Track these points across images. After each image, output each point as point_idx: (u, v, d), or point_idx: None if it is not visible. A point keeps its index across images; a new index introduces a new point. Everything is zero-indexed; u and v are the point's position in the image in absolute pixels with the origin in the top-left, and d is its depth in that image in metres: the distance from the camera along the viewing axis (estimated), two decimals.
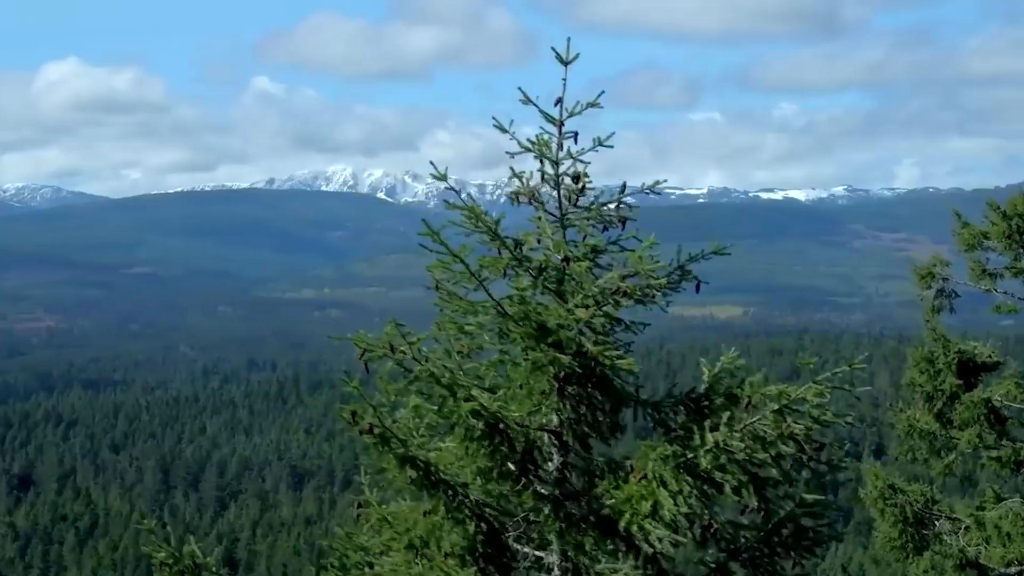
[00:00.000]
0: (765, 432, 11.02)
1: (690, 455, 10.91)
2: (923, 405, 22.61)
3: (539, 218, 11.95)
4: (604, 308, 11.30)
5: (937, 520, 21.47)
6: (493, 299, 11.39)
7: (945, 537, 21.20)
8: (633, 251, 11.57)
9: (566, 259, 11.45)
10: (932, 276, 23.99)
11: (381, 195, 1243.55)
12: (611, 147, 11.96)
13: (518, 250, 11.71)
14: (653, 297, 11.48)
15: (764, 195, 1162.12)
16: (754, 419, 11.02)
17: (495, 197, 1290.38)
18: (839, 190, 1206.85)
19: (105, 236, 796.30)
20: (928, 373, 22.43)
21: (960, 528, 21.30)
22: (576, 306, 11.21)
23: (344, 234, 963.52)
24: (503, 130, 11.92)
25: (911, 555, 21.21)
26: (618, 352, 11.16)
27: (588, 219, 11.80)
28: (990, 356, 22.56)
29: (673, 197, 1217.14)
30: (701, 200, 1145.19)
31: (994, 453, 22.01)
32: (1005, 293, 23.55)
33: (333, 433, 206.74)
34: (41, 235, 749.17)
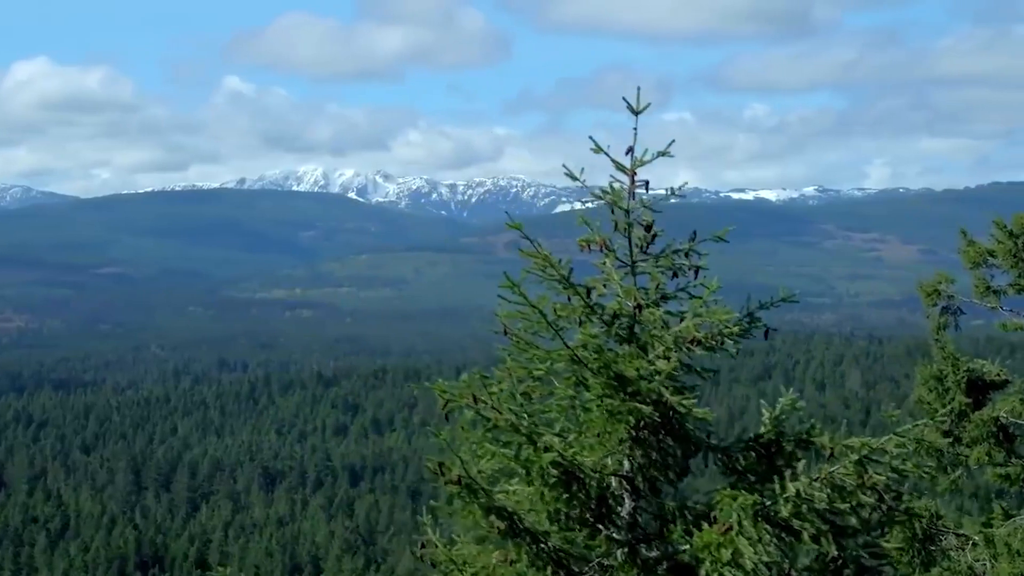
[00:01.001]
0: (845, 482, 11.09)
1: (769, 503, 10.95)
2: (931, 422, 22.72)
3: (603, 262, 11.99)
4: (679, 357, 11.31)
5: (944, 536, 21.55)
6: (570, 349, 11.43)
7: (952, 553, 21.28)
8: (699, 297, 11.65)
9: (638, 306, 11.49)
10: (938, 293, 24.03)
11: (352, 195, 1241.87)
12: (683, 197, 12.44)
13: (589, 297, 11.76)
14: (723, 344, 11.55)
15: (735, 195, 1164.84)
16: (834, 468, 11.13)
17: (466, 197, 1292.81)
18: (810, 190, 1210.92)
19: (75, 236, 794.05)
20: (937, 391, 22.49)
21: (968, 544, 21.39)
22: (657, 357, 11.23)
23: (315, 234, 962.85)
24: (574, 178, 12.09)
25: (918, 571, 21.28)
26: (694, 401, 11.19)
27: (658, 266, 11.85)
28: (998, 374, 22.58)
29: (644, 197, 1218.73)
30: (673, 200, 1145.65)
31: (1002, 471, 22.13)
32: (1011, 311, 23.64)
33: (304, 434, 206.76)
34: (10, 235, 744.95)
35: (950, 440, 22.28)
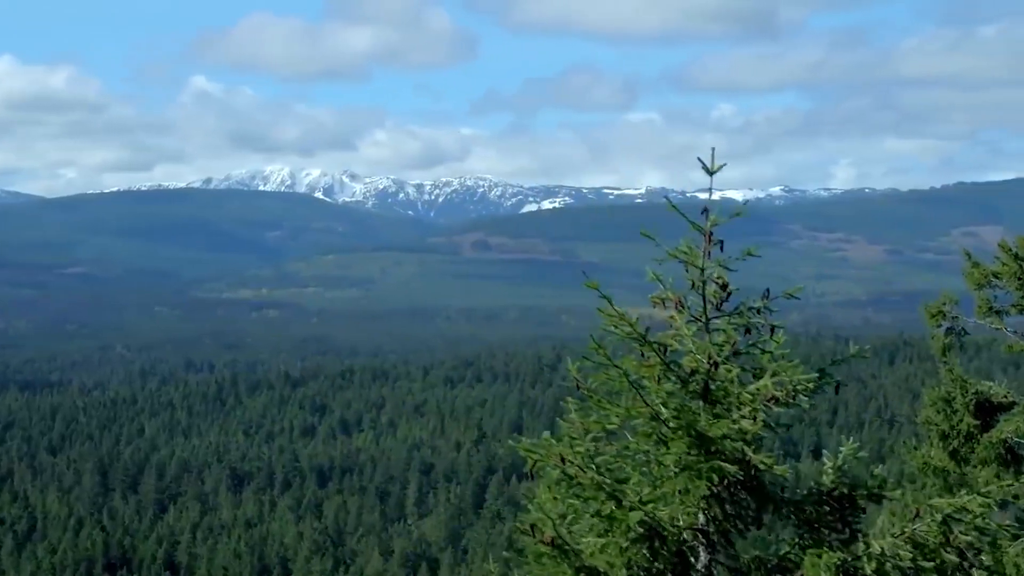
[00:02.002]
0: (928, 540, 11.34)
1: (852, 559, 11.19)
2: (938, 443, 22.87)
3: (672, 316, 12.12)
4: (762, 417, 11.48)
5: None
6: (651, 408, 11.57)
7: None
8: (769, 352, 11.79)
9: (714, 364, 11.64)
10: (942, 314, 24.22)
11: (319, 195, 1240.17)
12: (759, 256, 12.53)
13: (665, 354, 11.89)
14: (796, 399, 11.70)
15: (702, 195, 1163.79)
16: (916, 526, 11.37)
17: (433, 197, 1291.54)
18: (776, 190, 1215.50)
19: (40, 236, 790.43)
20: (945, 413, 22.67)
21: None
22: (742, 417, 11.38)
23: (281, 234, 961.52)
24: (650, 238, 12.25)
25: None
26: (773, 459, 11.36)
27: (732, 323, 11.99)
28: (1005, 396, 22.79)
29: (611, 197, 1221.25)
30: (639, 200, 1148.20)
31: (1010, 491, 22.33)
32: (1015, 333, 23.83)
33: (272, 435, 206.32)
34: None
35: (956, 461, 22.52)
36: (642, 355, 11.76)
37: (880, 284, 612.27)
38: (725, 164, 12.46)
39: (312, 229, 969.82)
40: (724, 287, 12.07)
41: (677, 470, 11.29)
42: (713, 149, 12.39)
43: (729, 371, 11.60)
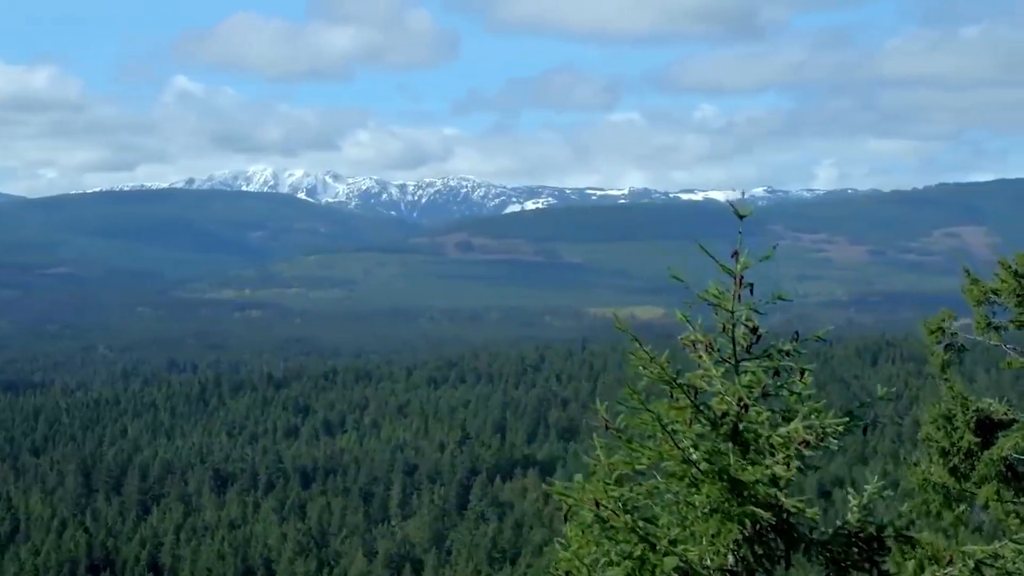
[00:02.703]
0: None
1: None
2: (938, 460, 22.98)
3: (699, 356, 12.18)
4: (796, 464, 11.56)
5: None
6: (683, 452, 11.65)
7: None
8: (797, 393, 11.86)
9: (744, 406, 11.72)
10: (941, 331, 24.27)
11: (301, 195, 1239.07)
12: (790, 300, 12.66)
13: (695, 397, 11.95)
14: (824, 441, 11.77)
15: (684, 196, 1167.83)
16: (948, 570, 11.49)
17: (416, 197, 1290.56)
18: (758, 191, 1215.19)
19: (22, 236, 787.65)
20: (945, 430, 22.76)
21: None
22: (775, 463, 11.47)
23: (264, 234, 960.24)
24: (679, 279, 12.34)
25: None
26: (805, 503, 11.45)
27: (762, 366, 12.05)
28: (1006, 413, 22.89)
29: (594, 198, 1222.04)
30: (622, 201, 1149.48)
31: (1011, 508, 22.46)
32: (1014, 349, 23.92)
33: (255, 435, 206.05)
34: None
35: (956, 478, 22.63)
36: (671, 396, 11.84)
37: (862, 284, 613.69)
38: (753, 211, 12.50)
39: (295, 230, 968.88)
40: (754, 331, 12.17)
41: (708, 512, 11.41)
42: (743, 193, 12.45)
43: (759, 414, 11.67)
